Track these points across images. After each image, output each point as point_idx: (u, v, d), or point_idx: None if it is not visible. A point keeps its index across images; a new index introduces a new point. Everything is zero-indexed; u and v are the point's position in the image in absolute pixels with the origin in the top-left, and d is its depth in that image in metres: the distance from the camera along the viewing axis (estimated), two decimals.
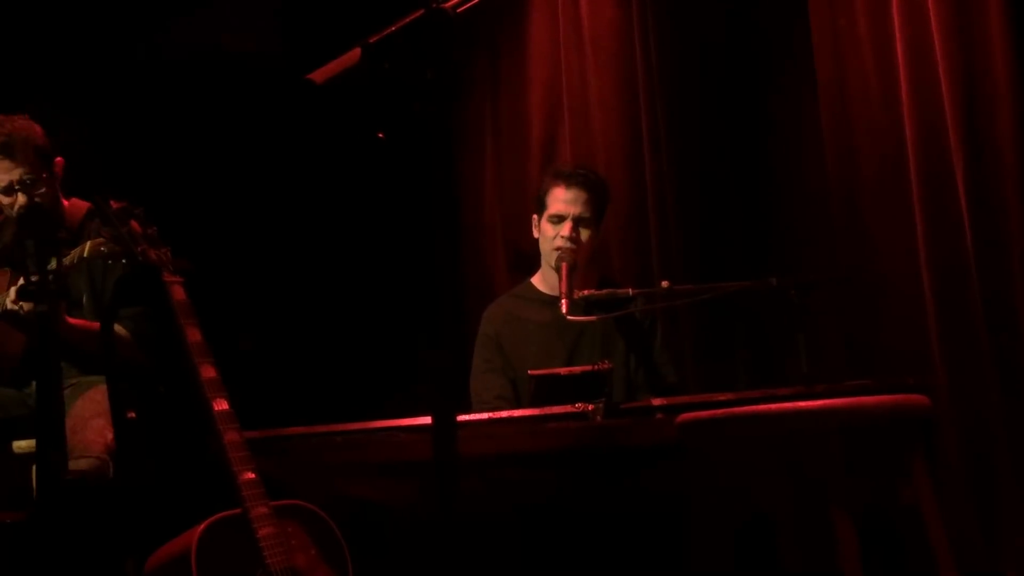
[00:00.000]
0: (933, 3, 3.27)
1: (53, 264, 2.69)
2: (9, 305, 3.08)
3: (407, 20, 1.80)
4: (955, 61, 3.23)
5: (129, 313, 3.30)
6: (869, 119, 3.49)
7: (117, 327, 3.26)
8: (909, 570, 2.64)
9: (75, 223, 3.39)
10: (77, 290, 3.33)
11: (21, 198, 3.28)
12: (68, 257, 3.02)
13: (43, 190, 3.29)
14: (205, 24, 4.50)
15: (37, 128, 3.33)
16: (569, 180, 3.45)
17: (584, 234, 3.42)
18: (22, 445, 3.16)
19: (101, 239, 2.95)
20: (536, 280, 3.60)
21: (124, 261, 2.89)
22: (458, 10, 1.80)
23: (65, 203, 3.39)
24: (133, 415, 3.21)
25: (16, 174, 3.26)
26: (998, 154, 3.18)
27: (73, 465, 2.99)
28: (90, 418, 3.11)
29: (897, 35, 3.36)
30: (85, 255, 2.96)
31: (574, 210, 3.41)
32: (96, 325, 3.23)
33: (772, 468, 2.44)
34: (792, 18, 3.72)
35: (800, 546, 2.67)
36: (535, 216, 3.53)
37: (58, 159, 3.39)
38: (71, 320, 3.19)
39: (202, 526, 2.37)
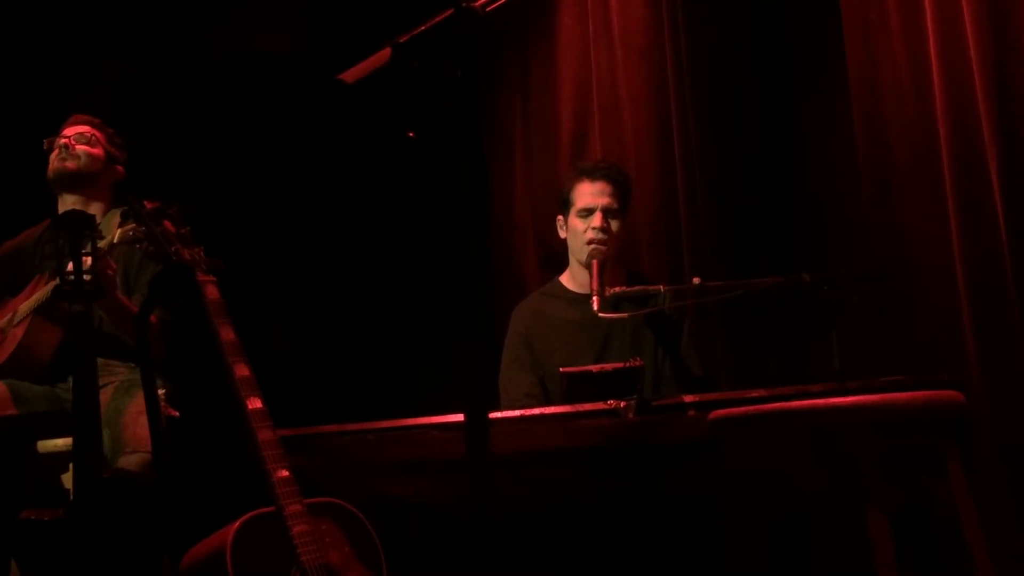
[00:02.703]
0: None
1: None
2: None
3: (437, 19, 1.81)
4: (988, 53, 3.20)
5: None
6: (901, 113, 3.46)
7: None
8: (945, 568, 2.62)
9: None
10: None
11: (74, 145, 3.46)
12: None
13: (93, 148, 3.47)
14: (237, 24, 4.53)
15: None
16: (593, 174, 3.50)
17: (614, 224, 3.46)
18: (48, 445, 3.18)
19: (132, 224, 2.93)
20: (565, 279, 3.61)
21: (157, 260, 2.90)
22: (487, 9, 1.81)
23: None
24: (176, 414, 3.23)
25: (81, 127, 3.49)
26: None
27: (124, 461, 3.03)
28: (140, 414, 3.12)
29: (929, 28, 3.33)
30: (115, 241, 2.97)
31: (602, 201, 3.45)
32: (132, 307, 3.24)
33: (805, 465, 2.43)
34: (823, 12, 3.70)
35: (834, 544, 2.65)
36: (560, 217, 3.56)
37: (120, 167, 3.56)
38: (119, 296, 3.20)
39: (237, 524, 2.38)
